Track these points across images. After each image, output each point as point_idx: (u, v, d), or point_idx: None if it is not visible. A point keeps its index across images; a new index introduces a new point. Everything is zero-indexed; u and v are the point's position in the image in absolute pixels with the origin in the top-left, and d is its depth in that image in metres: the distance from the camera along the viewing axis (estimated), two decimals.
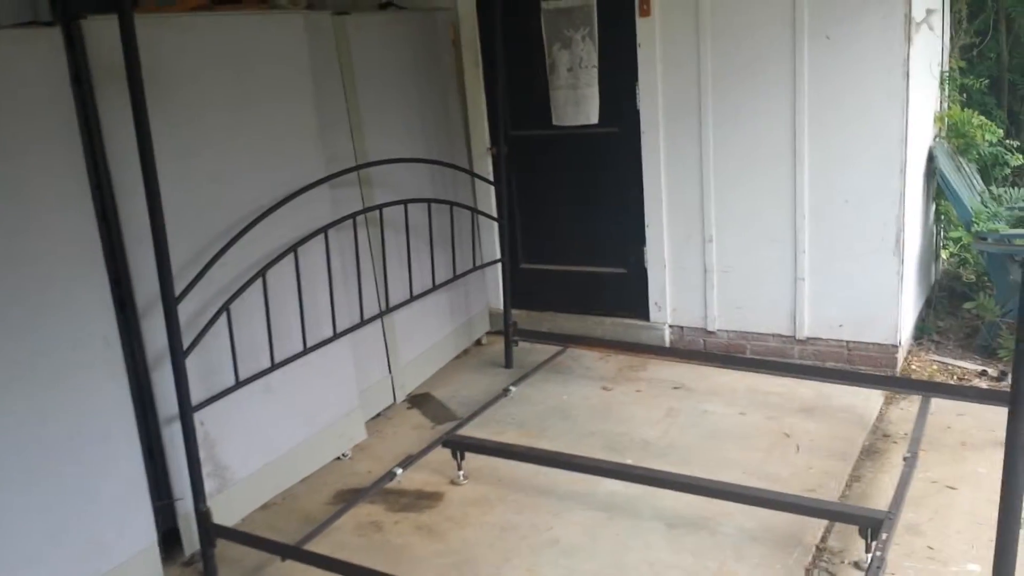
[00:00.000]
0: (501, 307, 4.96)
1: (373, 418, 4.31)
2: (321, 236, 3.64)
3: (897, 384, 4.10)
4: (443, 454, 3.72)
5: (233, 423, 3.37)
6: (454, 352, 5.05)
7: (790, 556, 2.97)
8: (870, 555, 2.74)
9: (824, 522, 3.11)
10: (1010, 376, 3.76)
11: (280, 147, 3.58)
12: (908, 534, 3.05)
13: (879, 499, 3.26)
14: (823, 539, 3.07)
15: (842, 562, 2.94)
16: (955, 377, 4.33)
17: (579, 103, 4.90)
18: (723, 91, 4.45)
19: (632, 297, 5.05)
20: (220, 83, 3.34)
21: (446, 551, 3.19)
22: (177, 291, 2.89)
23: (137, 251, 2.99)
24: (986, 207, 4.60)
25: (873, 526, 2.77)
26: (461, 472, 3.65)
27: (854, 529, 2.89)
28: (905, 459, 3.30)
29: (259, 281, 3.34)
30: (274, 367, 3.45)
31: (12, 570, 2.59)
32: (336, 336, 3.77)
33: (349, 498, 3.56)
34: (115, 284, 2.95)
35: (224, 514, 3.25)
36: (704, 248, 4.71)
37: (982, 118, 5.07)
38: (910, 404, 4.00)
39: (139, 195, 2.79)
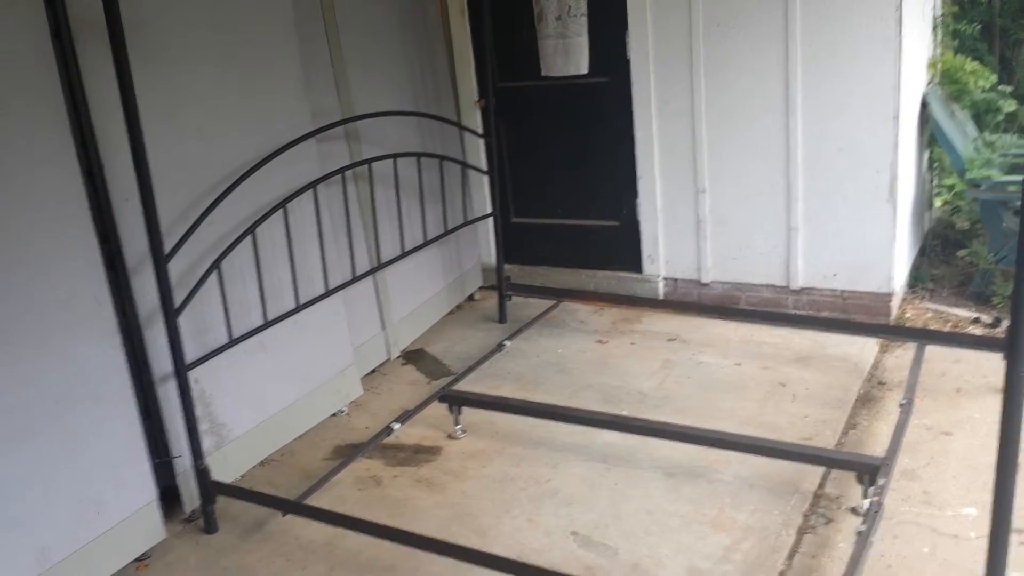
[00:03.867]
0: (493, 262, 4.93)
1: (368, 374, 4.30)
2: (310, 192, 3.60)
3: (891, 332, 4.11)
4: (440, 409, 3.72)
5: (228, 381, 3.35)
6: (447, 308, 5.03)
7: (787, 503, 2.99)
8: (867, 501, 2.76)
9: (821, 469, 3.13)
10: (1004, 323, 3.76)
11: (266, 102, 3.52)
12: (904, 479, 3.08)
13: (875, 446, 3.28)
14: (820, 486, 3.08)
15: (839, 508, 2.96)
16: (949, 324, 4.34)
17: (568, 53, 4.82)
18: (715, 39, 4.39)
19: (625, 250, 5.02)
20: (204, 38, 3.25)
21: (446, 503, 3.20)
22: (166, 249, 2.85)
23: (124, 209, 2.94)
24: (979, 154, 4.57)
25: (870, 472, 2.79)
26: (459, 426, 3.65)
27: (851, 476, 2.92)
28: (901, 406, 3.31)
29: (249, 238, 3.30)
30: (267, 324, 3.42)
31: (5, 535, 2.58)
32: (328, 293, 3.74)
33: (347, 454, 3.56)
34: (103, 242, 2.90)
35: (223, 471, 3.25)
36: (697, 199, 4.68)
37: (975, 64, 5.03)
38: (905, 352, 4.02)
39: (125, 152, 2.74)
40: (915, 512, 2.90)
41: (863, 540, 2.53)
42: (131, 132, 2.69)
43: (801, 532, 2.86)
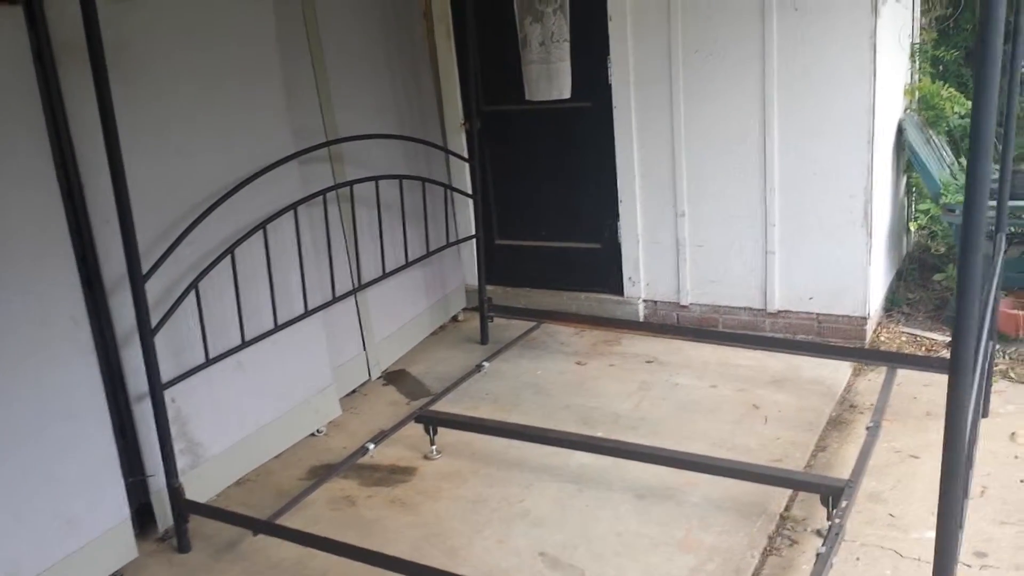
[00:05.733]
0: (477, 284, 4.99)
1: (348, 395, 4.33)
2: (291, 213, 3.64)
3: (863, 355, 4.16)
4: (416, 429, 3.76)
5: (205, 400, 3.39)
6: (430, 329, 5.07)
7: (754, 524, 3.03)
8: (830, 522, 2.80)
9: (788, 491, 3.17)
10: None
11: (247, 124, 3.58)
12: (870, 502, 3.11)
13: (843, 469, 3.32)
14: (787, 508, 3.12)
15: (805, 530, 3.00)
16: (924, 348, 4.40)
17: (552, 78, 4.90)
18: (694, 64, 4.46)
19: (606, 272, 5.08)
20: (186, 59, 3.32)
21: (418, 523, 3.23)
22: (144, 269, 2.90)
23: (104, 229, 2.98)
24: (955, 179, 4.64)
25: (834, 494, 2.82)
26: (434, 447, 3.68)
27: (817, 499, 2.96)
28: (868, 429, 3.35)
29: (228, 258, 3.35)
30: (245, 344, 3.46)
31: None
32: (307, 313, 3.78)
33: (324, 474, 3.59)
34: (82, 262, 2.95)
35: (198, 490, 3.28)
36: (676, 223, 4.74)
37: (951, 90, 5.10)
38: (878, 375, 4.06)
39: (105, 173, 2.78)
40: (879, 535, 2.93)
41: (822, 561, 2.57)
42: (110, 153, 2.73)
43: (766, 554, 2.89)
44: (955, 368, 1.76)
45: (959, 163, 4.94)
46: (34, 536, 2.76)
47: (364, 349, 4.44)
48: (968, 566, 2.75)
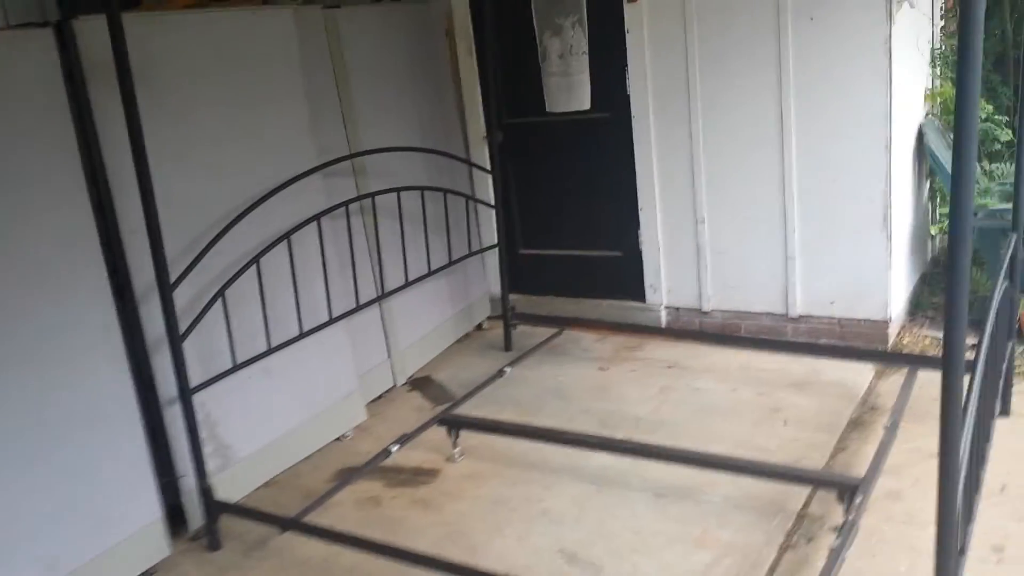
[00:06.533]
0: (500, 293, 5.06)
1: (374, 400, 4.43)
2: (314, 224, 3.75)
3: (883, 358, 4.17)
4: (440, 433, 3.83)
5: (234, 404, 3.50)
6: (455, 337, 5.15)
7: (771, 522, 3.06)
8: (845, 518, 2.82)
9: (806, 490, 3.19)
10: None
11: (272, 139, 3.70)
12: (888, 500, 3.13)
13: (862, 468, 3.31)
14: (805, 506, 3.15)
15: (822, 527, 3.02)
16: None
17: (571, 89, 4.99)
18: (711, 74, 4.52)
19: (628, 279, 5.13)
20: (212, 78, 3.45)
21: (441, 523, 3.30)
22: (172, 278, 3.02)
23: (133, 241, 3.11)
24: (977, 183, 4.63)
25: (849, 490, 2.85)
26: (457, 449, 3.75)
27: (835, 497, 2.98)
28: (885, 428, 3.37)
29: (254, 268, 3.46)
30: (271, 351, 3.57)
31: (16, 546, 2.72)
32: (332, 321, 3.89)
33: (349, 475, 3.68)
34: (113, 273, 3.08)
35: (228, 491, 3.38)
36: (697, 230, 4.79)
37: None
38: (900, 378, 4.06)
39: (134, 187, 2.92)
40: (897, 531, 2.95)
41: (835, 555, 2.59)
42: (138, 168, 2.87)
43: (782, 550, 2.92)
44: (947, 358, 1.80)
45: (980, 167, 4.93)
46: (70, 534, 2.88)
47: (389, 356, 4.53)
48: (984, 561, 2.76)
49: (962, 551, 2.36)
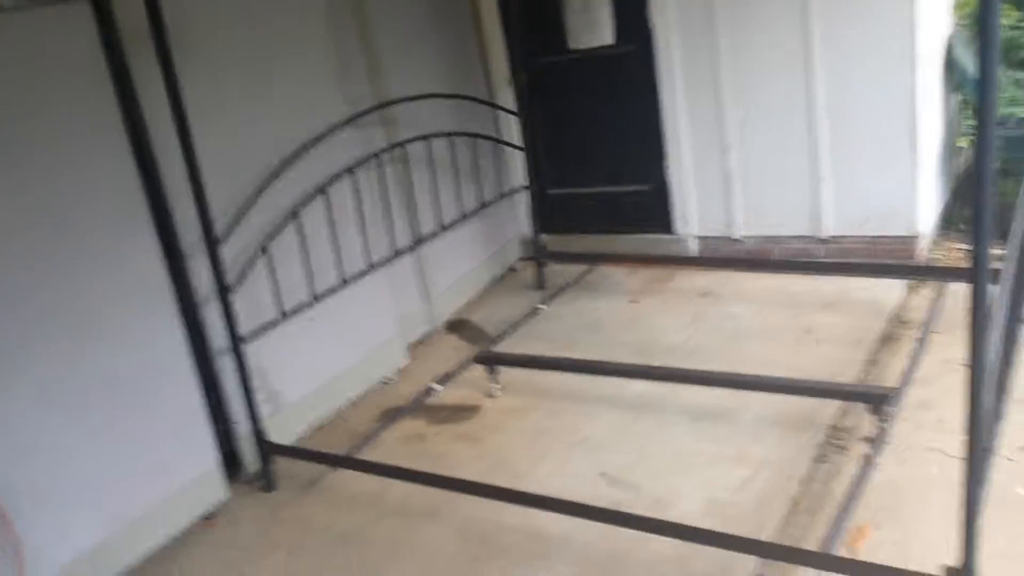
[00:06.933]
0: (531, 234, 5.14)
1: (414, 344, 4.55)
2: (348, 176, 3.85)
3: (913, 272, 4.19)
4: (479, 371, 3.95)
5: (282, 353, 3.64)
6: (489, 279, 5.26)
7: (804, 437, 3.15)
8: (877, 428, 2.90)
9: (838, 405, 3.27)
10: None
11: (302, 95, 3.77)
12: (920, 410, 3.20)
13: (892, 381, 3.39)
14: (837, 420, 3.23)
15: (853, 439, 3.10)
16: None
17: (593, 24, 4.98)
18: None
19: (657, 212, 5.16)
20: (242, 38, 3.52)
21: (484, 455, 3.44)
22: (218, 234, 3.14)
23: (179, 199, 3.23)
24: (1005, 93, 4.58)
25: (879, 401, 2.92)
26: (496, 386, 3.87)
27: (866, 409, 3.05)
28: (917, 340, 3.42)
29: (294, 221, 3.57)
30: (314, 300, 3.70)
31: (83, 498, 2.90)
32: (370, 269, 4.00)
33: (394, 415, 3.83)
34: (161, 232, 3.20)
35: (279, 435, 3.54)
36: (724, 157, 4.80)
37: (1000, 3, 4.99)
38: (931, 293, 4.09)
39: (176, 148, 3.04)
40: (927, 438, 3.03)
41: (868, 461, 2.68)
42: (180, 130, 3.00)
43: (816, 462, 3.02)
44: (975, 266, 1.85)
45: (1009, 76, 4.86)
46: (134, 482, 3.05)
47: (426, 301, 4.65)
48: (1012, 460, 2.83)
49: (991, 449, 2.43)
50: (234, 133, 3.47)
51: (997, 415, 2.50)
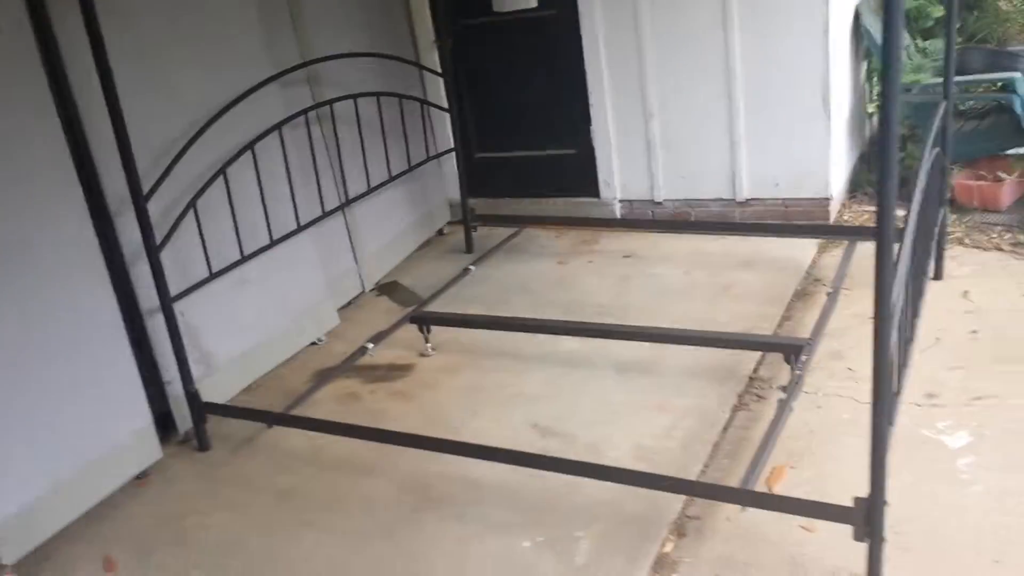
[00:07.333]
0: (460, 197, 5.19)
1: (344, 306, 4.57)
2: (276, 134, 3.83)
3: (824, 232, 4.41)
4: (412, 332, 4.00)
5: (212, 313, 3.63)
6: (417, 242, 5.29)
7: (725, 386, 3.31)
8: (791, 376, 3.08)
9: (756, 356, 3.45)
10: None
11: (227, 51, 3.73)
12: (832, 360, 3.40)
13: (806, 332, 3.58)
14: (755, 370, 3.41)
15: (771, 387, 3.29)
16: None
17: None
18: None
19: (583, 176, 5.28)
20: None
21: (420, 410, 3.51)
22: (144, 191, 3.10)
23: (104, 156, 3.17)
24: (911, 60, 4.82)
25: (795, 351, 3.10)
26: (429, 344, 3.94)
27: (782, 359, 3.23)
28: (828, 295, 3.62)
29: (221, 180, 3.55)
30: (243, 259, 3.69)
31: (17, 459, 2.85)
32: (299, 229, 4.00)
33: (328, 374, 3.86)
34: (87, 190, 3.14)
35: (212, 396, 3.52)
36: (646, 122, 4.93)
37: None
38: (841, 251, 4.31)
39: (101, 105, 2.97)
40: (839, 386, 3.23)
41: (783, 406, 2.85)
42: (104, 83, 2.92)
43: (735, 410, 3.19)
44: (881, 220, 1.98)
45: (915, 44, 5.11)
46: (67, 442, 3.01)
47: (356, 263, 4.67)
48: (919, 405, 3.05)
49: (898, 392, 2.62)
50: (159, 88, 3.42)
51: (903, 362, 2.69)
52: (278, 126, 3.83)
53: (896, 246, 2.17)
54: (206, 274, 3.51)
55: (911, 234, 2.66)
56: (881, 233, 1.96)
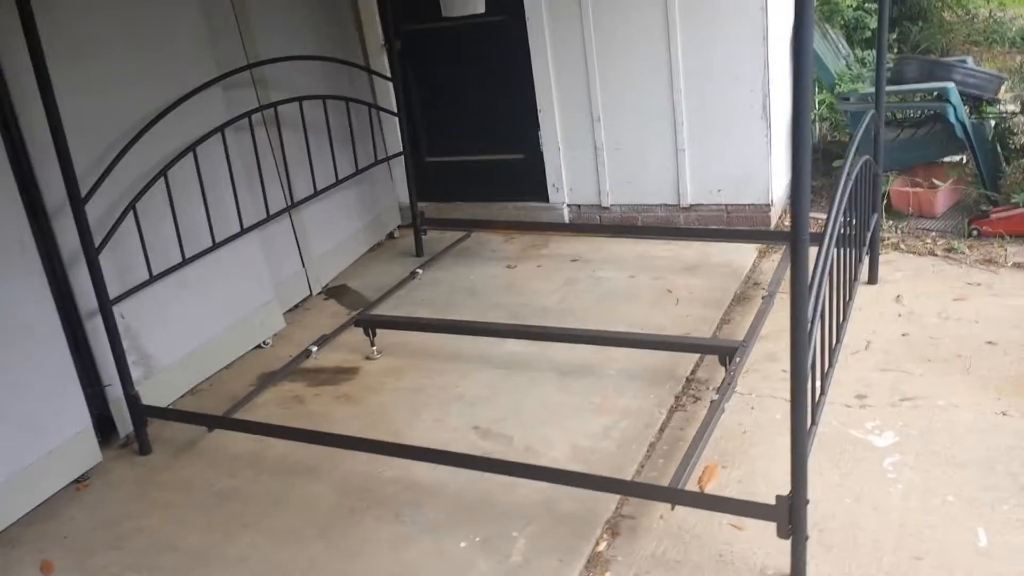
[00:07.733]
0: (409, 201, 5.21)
1: (291, 309, 4.57)
2: (219, 136, 3.82)
3: (763, 237, 4.51)
4: (357, 335, 4.02)
5: (153, 315, 3.61)
6: (367, 245, 5.30)
7: (663, 388, 3.38)
8: (725, 377, 3.15)
9: (694, 359, 3.52)
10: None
11: (170, 53, 3.71)
12: (767, 362, 3.48)
13: (742, 336, 3.67)
14: (692, 372, 3.48)
15: (707, 389, 3.36)
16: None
17: None
18: None
19: (532, 181, 5.33)
20: None
21: (363, 413, 3.53)
22: (83, 192, 3.08)
23: (41, 157, 3.14)
24: (850, 69, 4.95)
25: (729, 353, 3.18)
26: (374, 348, 3.95)
27: (718, 361, 3.30)
28: (763, 298, 3.71)
29: (162, 182, 3.53)
30: (185, 262, 3.67)
31: None
32: (243, 232, 3.99)
33: (271, 377, 3.86)
34: (24, 191, 3.11)
35: (153, 399, 3.50)
36: (593, 128, 5.00)
37: None
38: (780, 256, 4.41)
39: (38, 104, 2.94)
40: (773, 387, 3.30)
41: (715, 407, 2.92)
42: (40, 81, 2.90)
43: (672, 411, 3.25)
44: (793, 230, 2.04)
45: (854, 55, 5.25)
46: (4, 445, 2.97)
47: (303, 266, 4.67)
48: (849, 406, 3.13)
49: (823, 394, 2.70)
50: (98, 88, 3.40)
51: (830, 364, 2.77)
52: (221, 128, 3.82)
53: (814, 251, 2.25)
54: (147, 276, 3.49)
55: (830, 240, 2.73)
56: (795, 239, 2.03)
